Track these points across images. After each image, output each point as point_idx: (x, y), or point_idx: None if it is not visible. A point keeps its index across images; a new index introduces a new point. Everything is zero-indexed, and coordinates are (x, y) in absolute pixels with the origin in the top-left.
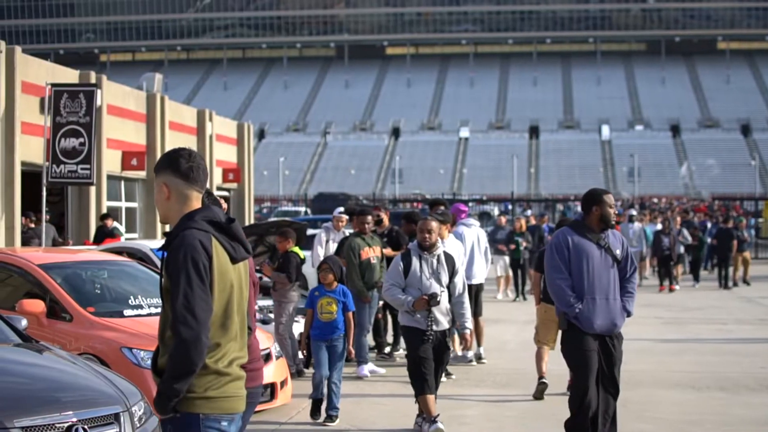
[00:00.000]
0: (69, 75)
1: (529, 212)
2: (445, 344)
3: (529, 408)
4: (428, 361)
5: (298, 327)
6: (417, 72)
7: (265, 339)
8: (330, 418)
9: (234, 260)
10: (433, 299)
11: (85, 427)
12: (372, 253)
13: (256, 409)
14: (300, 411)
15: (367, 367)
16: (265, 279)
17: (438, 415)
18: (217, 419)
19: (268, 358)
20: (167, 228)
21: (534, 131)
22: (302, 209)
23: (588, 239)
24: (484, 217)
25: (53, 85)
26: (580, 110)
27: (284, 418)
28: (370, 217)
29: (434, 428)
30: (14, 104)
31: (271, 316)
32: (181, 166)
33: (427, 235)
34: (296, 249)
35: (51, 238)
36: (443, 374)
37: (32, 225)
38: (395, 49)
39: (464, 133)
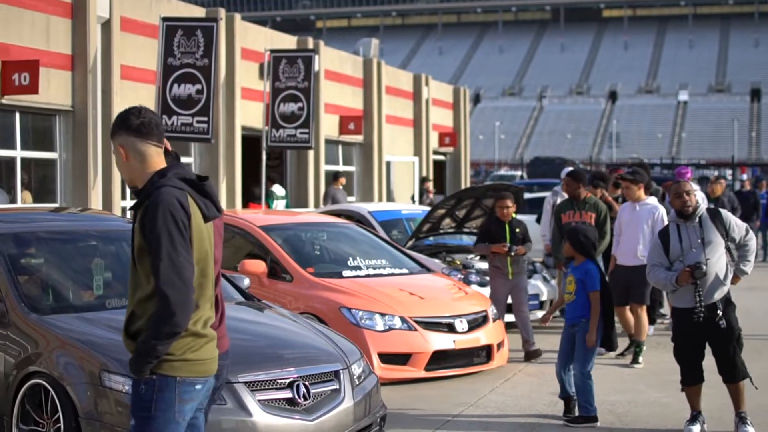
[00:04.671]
0: (287, 41)
1: (744, 176)
2: (716, 321)
3: None
4: (693, 346)
5: None
6: (634, 34)
7: (482, 300)
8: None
9: (206, 218)
10: (697, 270)
11: (306, 383)
12: (574, 218)
13: (473, 370)
14: (516, 373)
15: None
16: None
17: (699, 413)
18: (192, 382)
19: (485, 320)
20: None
21: (755, 94)
22: (518, 173)
23: None
24: (703, 182)
25: (272, 51)
26: None
27: (499, 381)
28: (577, 182)
29: (687, 430)
30: (234, 70)
31: (488, 279)
32: (132, 122)
33: (687, 198)
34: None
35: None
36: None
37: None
38: (612, 12)
39: (683, 96)
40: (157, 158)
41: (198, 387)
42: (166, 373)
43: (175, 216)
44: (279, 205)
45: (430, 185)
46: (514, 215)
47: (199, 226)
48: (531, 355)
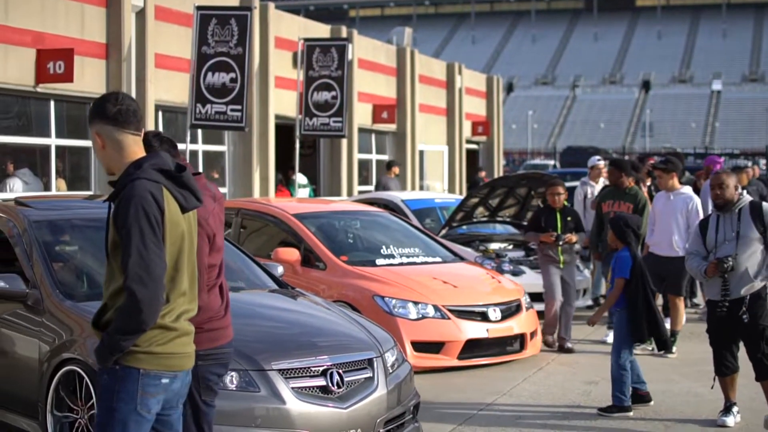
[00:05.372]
0: (320, 30)
1: None
2: (740, 315)
3: None
4: (724, 338)
5: None
6: (668, 24)
7: (515, 289)
8: (642, 398)
9: (184, 210)
10: (720, 265)
11: (340, 371)
12: (613, 207)
13: (506, 358)
14: (549, 362)
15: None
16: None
17: (734, 404)
18: (158, 376)
19: (518, 309)
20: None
21: None
22: (550, 163)
23: None
24: (736, 172)
25: (306, 39)
26: None
27: (532, 371)
28: (620, 171)
29: (721, 421)
30: (268, 59)
31: (522, 268)
32: (108, 110)
33: (718, 192)
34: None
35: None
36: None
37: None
38: (645, 1)
39: (716, 85)
40: (134, 147)
41: (165, 381)
42: (129, 364)
43: (147, 211)
44: (300, 193)
45: (484, 174)
46: (565, 203)
47: (175, 219)
48: (564, 350)
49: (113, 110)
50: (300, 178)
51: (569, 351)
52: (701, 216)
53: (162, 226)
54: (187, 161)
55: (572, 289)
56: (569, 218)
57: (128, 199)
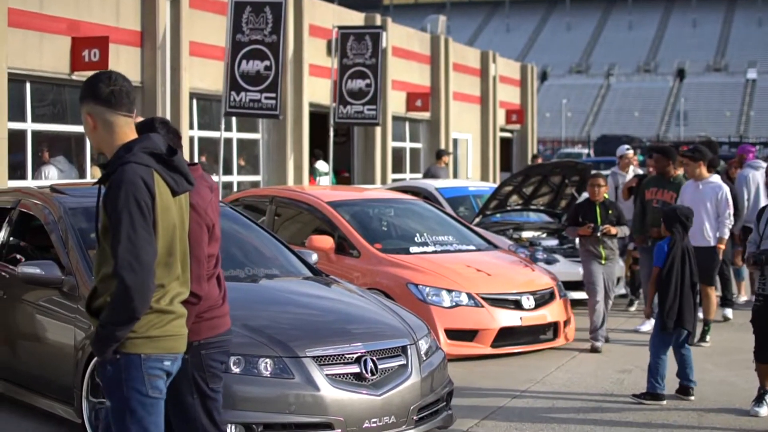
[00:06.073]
0: (354, 18)
1: None
2: None
3: None
4: (761, 327)
5: None
6: (702, 12)
7: (548, 278)
8: (684, 390)
9: (175, 193)
10: (750, 258)
11: (374, 358)
12: (656, 195)
13: (539, 347)
14: (582, 350)
15: (648, 324)
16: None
17: (767, 392)
18: (160, 359)
19: (551, 297)
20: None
21: None
22: (584, 151)
23: None
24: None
25: (340, 27)
26: None
27: (565, 359)
28: (667, 159)
29: (754, 411)
30: (302, 47)
31: (555, 256)
32: (101, 91)
33: None
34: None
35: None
36: None
37: None
38: None
39: (751, 74)
40: (126, 129)
41: (167, 363)
42: (130, 351)
43: (137, 197)
44: (322, 181)
45: (541, 160)
46: (606, 196)
47: (166, 204)
48: (593, 348)
49: (106, 91)
50: (322, 166)
51: (600, 348)
52: (731, 205)
53: (153, 211)
54: (222, 148)
55: (613, 286)
56: (610, 211)
57: (118, 184)
